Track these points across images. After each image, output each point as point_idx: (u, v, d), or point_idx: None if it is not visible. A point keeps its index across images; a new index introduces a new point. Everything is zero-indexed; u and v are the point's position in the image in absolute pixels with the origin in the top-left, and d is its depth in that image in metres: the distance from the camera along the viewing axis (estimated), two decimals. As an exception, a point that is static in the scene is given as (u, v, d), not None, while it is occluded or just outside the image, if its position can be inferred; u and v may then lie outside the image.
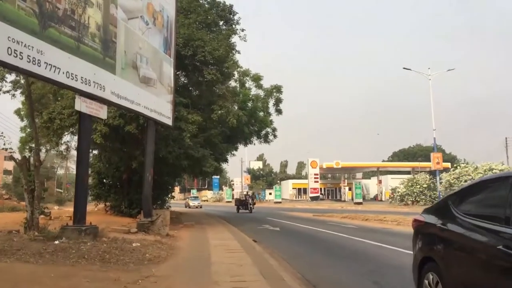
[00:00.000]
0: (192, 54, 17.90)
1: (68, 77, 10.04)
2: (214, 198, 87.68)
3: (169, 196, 25.99)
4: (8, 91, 20.20)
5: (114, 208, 20.99)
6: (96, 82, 11.04)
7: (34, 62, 9.04)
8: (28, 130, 27.66)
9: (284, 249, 12.65)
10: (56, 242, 9.61)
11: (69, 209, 25.73)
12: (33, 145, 28.66)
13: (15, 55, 8.56)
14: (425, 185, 40.66)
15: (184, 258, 9.91)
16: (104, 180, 21.34)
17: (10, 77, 20.00)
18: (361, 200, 50.79)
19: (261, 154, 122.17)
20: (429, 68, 40.02)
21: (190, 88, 21.44)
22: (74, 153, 25.91)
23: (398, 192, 42.52)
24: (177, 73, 20.22)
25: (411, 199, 39.74)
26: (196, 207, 53.31)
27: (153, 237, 12.93)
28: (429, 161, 72.96)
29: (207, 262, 9.22)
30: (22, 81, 19.83)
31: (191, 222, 20.33)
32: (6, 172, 78.68)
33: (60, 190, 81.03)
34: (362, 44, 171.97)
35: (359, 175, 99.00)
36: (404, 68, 37.21)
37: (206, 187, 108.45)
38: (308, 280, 7.80)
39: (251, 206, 38.91)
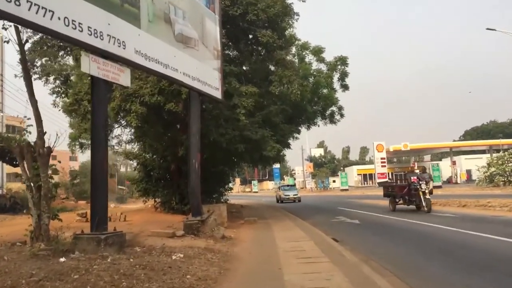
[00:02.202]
0: (241, 13, 14.67)
1: (68, 25, 7.06)
2: (276, 188, 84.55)
3: (227, 187, 22.84)
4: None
5: (164, 205, 18.23)
6: (112, 36, 8.02)
7: (8, -1, 6.11)
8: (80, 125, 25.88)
9: (381, 253, 9.17)
10: (62, 259, 6.70)
11: (128, 206, 23.36)
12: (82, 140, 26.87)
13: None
14: (520, 162, 34.81)
15: (244, 279, 6.65)
16: (151, 173, 18.62)
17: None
18: (440, 184, 45.58)
19: (321, 141, 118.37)
20: (516, 28, 34.34)
21: (242, 61, 18.14)
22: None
23: (486, 172, 37.13)
24: (225, 47, 17.16)
25: (502, 179, 34.43)
26: (294, 200, 37.54)
27: (204, 242, 9.85)
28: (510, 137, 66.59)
29: (279, 286, 5.95)
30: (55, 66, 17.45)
31: (253, 218, 17.19)
32: (73, 172, 79.81)
33: (123, 188, 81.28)
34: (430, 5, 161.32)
35: (427, 157, 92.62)
36: (487, 28, 31.90)
37: (267, 177, 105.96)
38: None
39: (427, 197, 18.46)
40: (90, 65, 7.55)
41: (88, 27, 7.47)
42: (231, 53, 17.69)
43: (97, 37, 7.63)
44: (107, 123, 8.84)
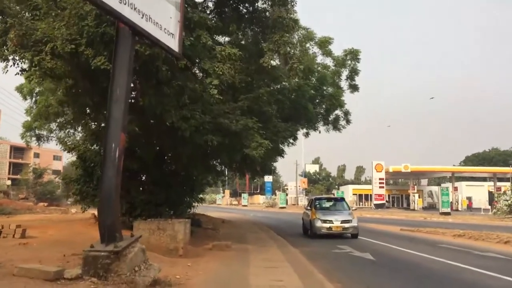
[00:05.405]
0: None
1: None
2: (267, 203, 79.31)
3: (197, 198, 17.35)
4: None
5: (108, 215, 13.30)
6: None
7: None
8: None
9: None
10: None
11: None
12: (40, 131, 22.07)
13: None
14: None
15: None
16: (93, 171, 13.65)
17: None
18: (449, 210, 40.75)
19: (317, 157, 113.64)
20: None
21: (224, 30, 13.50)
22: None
23: (506, 200, 32.50)
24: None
25: (525, 210, 29.88)
26: (341, 233, 17.14)
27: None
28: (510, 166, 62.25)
29: None
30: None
31: (225, 242, 12.34)
32: (55, 172, 74.94)
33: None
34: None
35: (424, 181, 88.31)
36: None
37: (258, 191, 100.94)
38: None
39: None
40: None
41: None
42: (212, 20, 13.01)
43: None
44: None
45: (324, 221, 17.25)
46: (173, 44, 7.53)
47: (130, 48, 6.52)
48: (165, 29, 7.24)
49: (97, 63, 7.98)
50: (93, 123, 12.42)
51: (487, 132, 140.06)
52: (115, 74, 6.44)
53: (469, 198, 70.53)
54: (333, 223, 17.13)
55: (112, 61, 6.48)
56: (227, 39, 13.73)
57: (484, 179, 77.11)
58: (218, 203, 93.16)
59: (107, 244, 6.11)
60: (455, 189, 68.94)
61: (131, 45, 6.57)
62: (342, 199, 22.33)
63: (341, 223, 17.15)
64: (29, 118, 21.67)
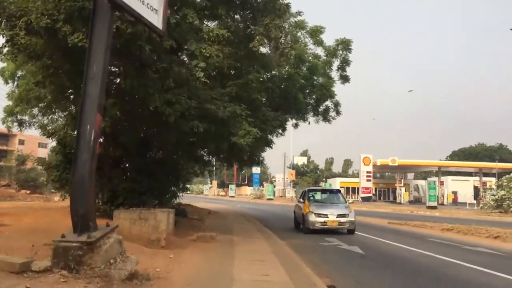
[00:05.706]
0: None
1: None
2: (254, 195, 78.94)
3: (183, 187, 16.76)
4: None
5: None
6: None
7: None
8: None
9: None
10: None
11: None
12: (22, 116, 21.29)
13: None
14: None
15: None
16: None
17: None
18: (435, 204, 40.70)
19: (305, 150, 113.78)
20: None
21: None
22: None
23: (493, 195, 32.47)
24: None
25: (512, 204, 29.82)
26: (337, 228, 15.88)
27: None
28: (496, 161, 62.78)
29: None
30: None
31: (210, 233, 11.90)
32: (41, 159, 73.37)
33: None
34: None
35: (410, 175, 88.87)
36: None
37: (246, 182, 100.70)
38: None
39: None
40: None
41: None
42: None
43: None
44: None
45: (319, 215, 15.80)
46: (156, 20, 7.02)
47: (108, 23, 6.01)
48: (147, 4, 6.73)
49: (74, 39, 7.45)
50: (73, 107, 11.84)
51: (473, 127, 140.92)
52: (91, 50, 5.92)
53: (454, 193, 71.22)
54: (328, 217, 15.75)
55: (89, 35, 5.96)
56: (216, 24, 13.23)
57: (470, 174, 77.79)
58: (206, 194, 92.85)
59: (80, 234, 5.64)
60: (441, 183, 69.34)
61: (110, 19, 6.05)
62: (338, 191, 21.22)
63: (337, 217, 15.83)
64: (10, 103, 20.95)
